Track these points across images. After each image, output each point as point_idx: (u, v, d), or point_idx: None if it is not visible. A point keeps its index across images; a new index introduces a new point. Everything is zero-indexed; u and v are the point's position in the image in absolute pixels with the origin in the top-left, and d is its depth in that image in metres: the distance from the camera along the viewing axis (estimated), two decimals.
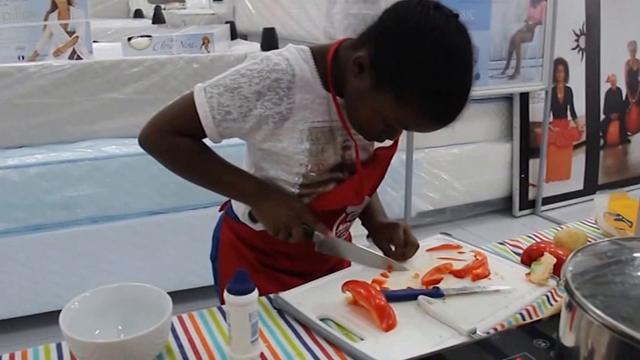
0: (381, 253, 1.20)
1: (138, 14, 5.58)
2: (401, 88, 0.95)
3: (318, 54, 1.06)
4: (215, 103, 1.02)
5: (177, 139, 1.06)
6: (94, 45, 2.60)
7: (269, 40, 2.81)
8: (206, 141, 1.08)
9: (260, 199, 1.09)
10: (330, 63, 1.05)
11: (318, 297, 1.06)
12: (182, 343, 0.95)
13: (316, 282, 1.12)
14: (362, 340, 0.94)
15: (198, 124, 1.03)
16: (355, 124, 1.06)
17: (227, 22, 3.64)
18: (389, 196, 3.09)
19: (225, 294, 0.88)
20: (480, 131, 3.48)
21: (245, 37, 3.71)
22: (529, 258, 1.20)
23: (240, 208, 1.18)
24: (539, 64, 3.38)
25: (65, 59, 2.42)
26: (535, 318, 1.00)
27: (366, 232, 1.28)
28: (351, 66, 1.00)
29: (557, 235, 1.30)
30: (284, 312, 1.03)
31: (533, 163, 3.57)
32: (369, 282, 1.06)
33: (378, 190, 1.24)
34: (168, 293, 0.95)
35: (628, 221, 1.36)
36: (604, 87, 3.80)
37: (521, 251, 1.26)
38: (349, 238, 1.32)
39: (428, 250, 1.24)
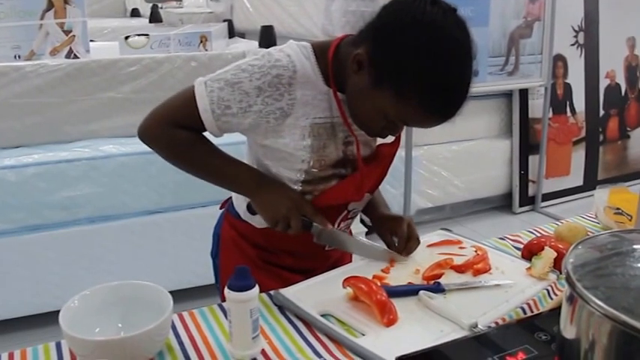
0: (382, 245, 1.19)
1: (135, 13, 5.58)
2: (400, 84, 0.95)
3: (320, 50, 1.06)
4: (215, 97, 1.02)
5: (176, 131, 1.06)
6: (91, 44, 2.59)
7: (267, 38, 2.81)
8: (208, 135, 1.08)
9: (258, 190, 1.09)
10: (331, 59, 1.05)
11: (318, 293, 1.05)
12: (183, 341, 0.95)
13: (317, 278, 1.12)
14: (363, 335, 0.93)
15: (198, 117, 1.03)
16: (357, 121, 1.06)
17: (225, 21, 3.63)
18: (388, 194, 3.08)
19: (226, 290, 0.88)
20: (479, 128, 3.48)
21: (243, 36, 3.70)
22: (529, 252, 1.20)
23: (242, 206, 1.18)
24: (538, 61, 3.37)
25: (62, 58, 2.41)
26: (536, 312, 1.00)
27: (365, 229, 1.28)
28: (350, 63, 1.00)
29: (558, 230, 1.30)
30: (285, 308, 1.03)
31: (533, 160, 3.57)
32: (370, 278, 1.06)
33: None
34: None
35: (628, 215, 1.36)
36: (603, 83, 3.80)
37: (521, 246, 1.26)
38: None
39: (428, 246, 1.24)
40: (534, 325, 0.91)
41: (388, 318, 0.95)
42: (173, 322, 0.98)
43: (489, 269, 1.14)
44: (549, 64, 3.39)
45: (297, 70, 1.01)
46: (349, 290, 1.02)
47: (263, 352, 0.91)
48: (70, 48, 2.45)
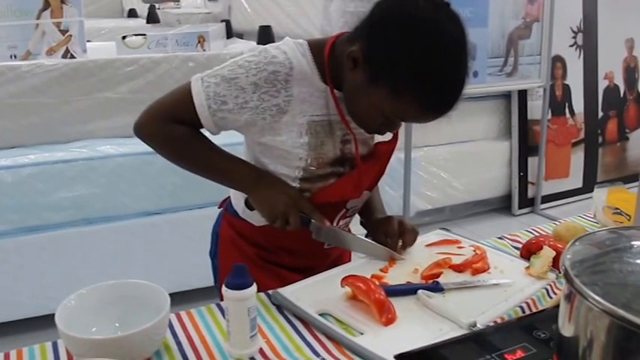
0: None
1: (132, 14, 5.57)
2: (395, 80, 0.95)
3: (316, 47, 1.06)
4: (212, 92, 1.02)
5: (172, 127, 1.05)
6: (88, 44, 2.57)
7: (265, 38, 2.81)
8: (205, 133, 1.08)
9: (256, 186, 1.09)
10: (328, 56, 1.05)
11: (316, 292, 1.05)
12: (180, 341, 0.94)
13: (315, 277, 1.11)
14: (361, 334, 0.93)
15: (194, 112, 1.03)
16: (355, 118, 1.06)
17: (222, 21, 3.63)
18: (387, 196, 3.08)
19: (224, 289, 0.87)
20: (478, 129, 3.48)
21: (241, 36, 3.70)
22: (528, 252, 1.19)
23: (240, 204, 1.17)
24: (537, 62, 3.37)
25: (58, 58, 2.40)
26: (535, 311, 1.00)
27: (365, 231, 1.27)
28: (346, 61, 0.99)
29: (556, 229, 1.30)
30: (283, 308, 1.02)
31: (532, 161, 3.56)
32: (368, 277, 1.05)
33: (378, 187, 1.23)
34: None
35: (626, 214, 1.36)
36: (602, 84, 3.80)
37: (520, 245, 1.26)
38: None
39: (427, 246, 1.24)
40: (533, 324, 0.91)
41: (387, 317, 0.94)
42: (170, 322, 0.98)
43: (488, 268, 1.13)
44: (548, 65, 3.40)
45: (293, 67, 1.01)
46: (347, 289, 1.02)
47: (261, 351, 0.91)
48: (67, 48, 2.44)
